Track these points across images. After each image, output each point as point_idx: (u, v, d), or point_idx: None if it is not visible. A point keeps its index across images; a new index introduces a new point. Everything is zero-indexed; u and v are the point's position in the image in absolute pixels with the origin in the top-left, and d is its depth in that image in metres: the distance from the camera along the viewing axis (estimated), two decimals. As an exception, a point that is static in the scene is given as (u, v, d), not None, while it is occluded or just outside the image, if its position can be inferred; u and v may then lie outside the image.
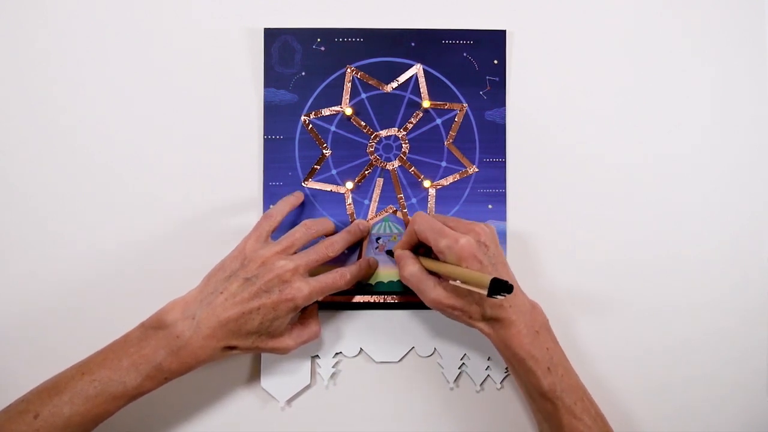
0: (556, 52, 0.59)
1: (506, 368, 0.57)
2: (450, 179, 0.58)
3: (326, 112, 0.57)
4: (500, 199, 0.58)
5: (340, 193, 0.57)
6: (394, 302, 0.57)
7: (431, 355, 0.57)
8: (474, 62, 0.58)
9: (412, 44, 0.58)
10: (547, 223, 0.58)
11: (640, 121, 0.59)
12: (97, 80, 0.57)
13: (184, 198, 0.57)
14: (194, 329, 0.47)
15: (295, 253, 0.51)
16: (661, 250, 0.58)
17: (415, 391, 0.57)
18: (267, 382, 0.56)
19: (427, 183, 0.57)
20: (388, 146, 0.58)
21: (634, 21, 0.59)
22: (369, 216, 0.57)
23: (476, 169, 0.58)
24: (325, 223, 0.54)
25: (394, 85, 0.58)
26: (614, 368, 0.57)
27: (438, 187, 0.58)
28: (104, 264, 0.56)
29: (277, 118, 0.57)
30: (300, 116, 0.57)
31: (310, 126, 0.57)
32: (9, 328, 0.55)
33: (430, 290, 0.49)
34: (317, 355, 0.56)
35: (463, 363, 0.57)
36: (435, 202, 0.57)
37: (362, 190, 0.58)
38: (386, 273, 0.57)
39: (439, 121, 0.58)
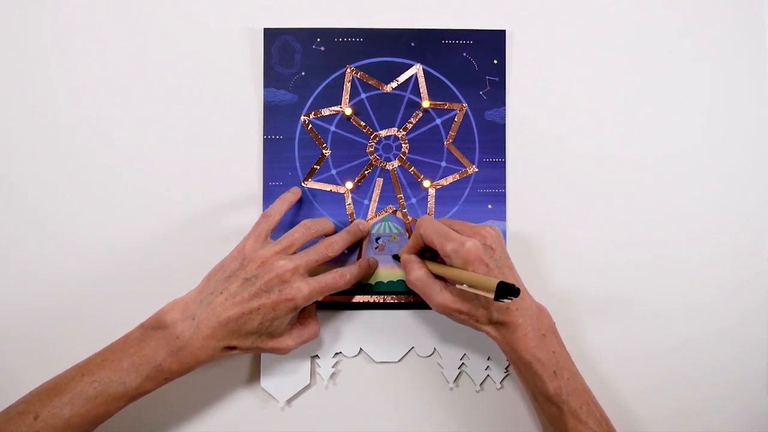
0: (556, 52, 0.59)
1: (506, 368, 0.57)
2: (450, 179, 0.58)
3: (326, 112, 0.57)
4: (500, 199, 0.58)
5: (339, 193, 0.57)
6: (394, 302, 0.57)
7: (431, 355, 0.57)
8: (474, 62, 0.58)
9: (412, 44, 0.58)
10: (546, 223, 0.58)
11: (639, 120, 0.59)
12: (97, 80, 0.57)
13: (184, 198, 0.57)
14: (194, 329, 0.47)
15: (295, 253, 0.51)
16: (660, 250, 0.58)
17: (415, 391, 0.57)
18: (267, 382, 0.56)
19: (426, 183, 0.57)
20: (388, 146, 0.58)
21: (633, 21, 0.59)
22: (369, 216, 0.57)
23: (476, 169, 0.58)
24: (325, 223, 0.54)
25: (394, 85, 0.58)
26: (614, 368, 0.57)
27: (438, 187, 0.58)
28: (104, 264, 0.56)
29: (277, 118, 0.57)
30: (300, 116, 0.57)
31: (310, 126, 0.57)
32: (9, 328, 0.56)
33: (437, 294, 0.49)
34: (317, 355, 0.56)
35: (463, 363, 0.57)
36: (435, 202, 0.57)
37: (362, 190, 0.58)
38: (386, 273, 0.57)
39: (438, 121, 0.58)
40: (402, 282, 0.57)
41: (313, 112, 0.57)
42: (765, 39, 0.59)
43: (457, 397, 0.57)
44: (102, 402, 0.46)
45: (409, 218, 0.57)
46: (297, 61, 0.57)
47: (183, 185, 0.57)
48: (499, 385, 0.57)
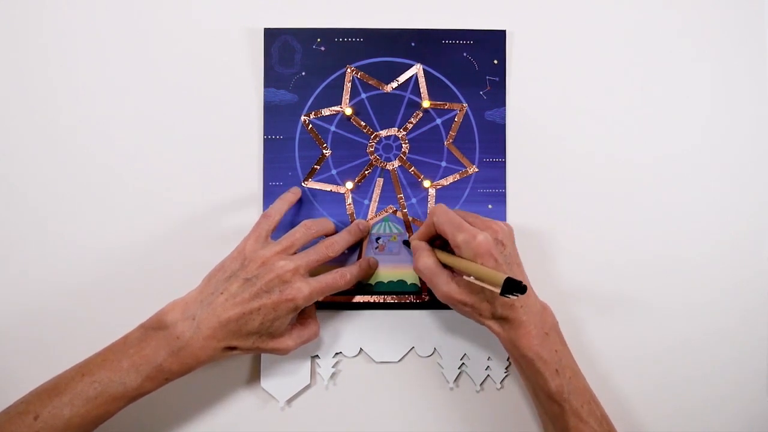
0: (556, 52, 0.59)
1: (506, 368, 0.57)
2: (450, 179, 0.58)
3: (326, 112, 0.57)
4: (500, 199, 0.58)
5: (340, 193, 0.57)
6: (394, 302, 0.57)
7: (431, 355, 0.57)
8: (474, 62, 0.58)
9: (412, 44, 0.58)
10: (546, 223, 0.58)
11: (639, 120, 0.59)
12: (97, 80, 0.57)
13: (184, 198, 0.57)
14: (194, 330, 0.47)
15: (295, 253, 0.51)
16: (661, 250, 0.58)
17: (415, 391, 0.57)
18: (267, 382, 0.56)
19: (427, 183, 0.57)
20: (388, 146, 0.58)
21: (633, 21, 0.59)
22: (369, 216, 0.57)
23: (476, 169, 0.58)
24: (325, 223, 0.54)
25: (394, 85, 0.58)
26: (614, 368, 0.57)
27: (438, 187, 0.58)
28: (104, 264, 0.56)
29: (277, 118, 0.57)
30: (300, 116, 0.57)
31: (310, 126, 0.57)
32: (9, 328, 0.55)
33: (443, 284, 0.49)
34: (317, 355, 0.56)
35: (463, 363, 0.57)
36: (435, 202, 0.57)
37: (362, 190, 0.58)
38: (386, 273, 0.57)
39: (439, 121, 0.58)
40: (402, 282, 0.57)
41: (313, 112, 0.57)
42: (765, 39, 0.59)
43: (457, 397, 0.57)
44: (102, 402, 0.46)
45: (410, 218, 0.57)
46: (297, 61, 0.57)
47: (183, 185, 0.57)
48: (499, 385, 0.57)
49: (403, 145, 0.58)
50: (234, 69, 0.58)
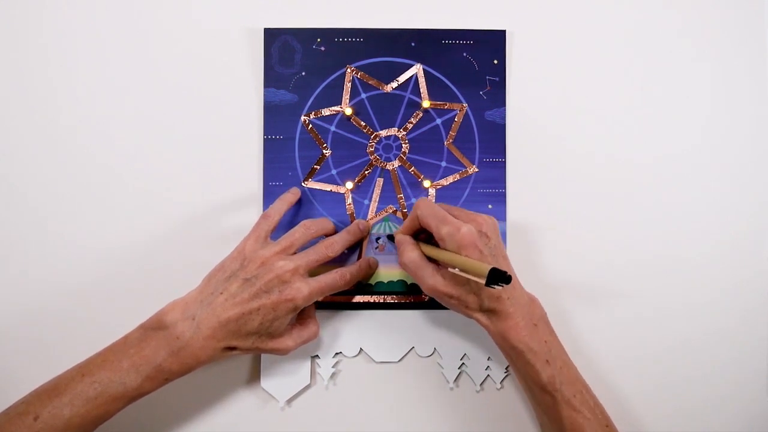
0: (556, 52, 0.59)
1: (506, 368, 0.57)
2: (450, 179, 0.58)
3: (326, 112, 0.57)
4: (500, 199, 0.58)
5: (340, 193, 0.57)
6: (394, 302, 0.57)
7: (431, 355, 0.57)
8: (474, 62, 0.58)
9: (412, 44, 0.58)
10: (547, 223, 0.58)
11: (639, 120, 0.59)
12: (97, 80, 0.57)
13: (184, 198, 0.57)
14: (194, 330, 0.47)
15: (295, 253, 0.51)
16: (661, 250, 0.58)
17: (415, 391, 0.57)
18: (267, 382, 0.56)
19: (427, 183, 0.57)
20: (388, 146, 0.58)
21: (633, 21, 0.59)
22: (369, 216, 0.57)
23: (476, 169, 0.58)
24: (325, 223, 0.54)
25: (394, 85, 0.58)
26: (614, 369, 0.57)
27: (438, 187, 0.58)
28: (104, 264, 0.56)
29: (277, 118, 0.57)
30: (300, 116, 0.57)
31: (310, 126, 0.57)
32: (9, 328, 0.55)
33: (428, 277, 0.49)
34: (317, 355, 0.56)
35: (463, 363, 0.57)
36: (435, 202, 0.57)
37: (362, 190, 0.58)
38: (386, 273, 0.57)
39: (439, 121, 0.58)
40: (402, 282, 0.57)
41: (313, 112, 0.57)
42: (765, 39, 0.59)
43: (457, 397, 0.57)
44: (102, 402, 0.46)
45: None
46: (297, 61, 0.57)
47: (183, 185, 0.57)
48: (499, 385, 0.57)
49: (403, 145, 0.58)
50: (234, 69, 0.58)
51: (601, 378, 0.57)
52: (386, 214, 0.57)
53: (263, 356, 0.56)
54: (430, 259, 0.50)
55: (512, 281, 0.46)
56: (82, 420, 0.45)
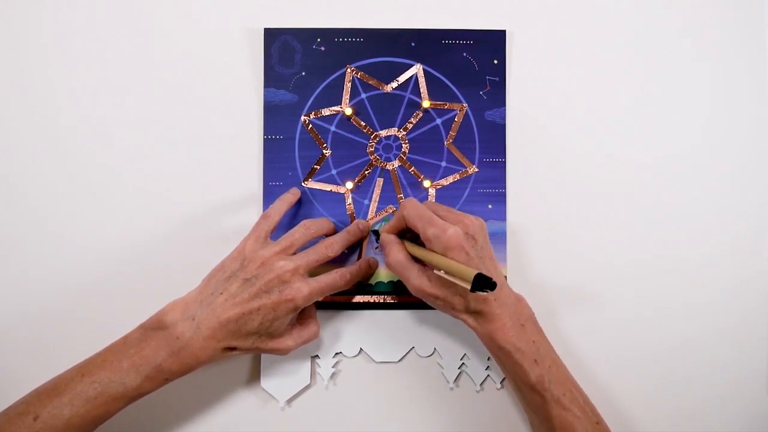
0: (556, 52, 0.59)
1: (506, 368, 0.57)
2: (450, 179, 0.58)
3: (326, 112, 0.57)
4: (500, 199, 0.57)
5: (340, 193, 0.57)
6: (394, 302, 0.57)
7: (431, 355, 0.57)
8: (474, 62, 0.58)
9: (412, 44, 0.58)
10: (546, 223, 0.58)
11: (639, 120, 0.59)
12: (97, 80, 0.57)
13: (184, 198, 0.57)
14: (194, 330, 0.47)
15: (295, 253, 0.51)
16: (661, 250, 0.58)
17: (415, 391, 0.57)
18: (267, 382, 0.56)
19: (427, 183, 0.57)
20: (388, 146, 0.58)
21: (633, 21, 0.59)
22: (369, 216, 0.57)
23: (476, 169, 0.58)
24: (325, 223, 0.54)
25: (394, 85, 0.58)
26: (614, 368, 0.57)
27: (438, 187, 0.58)
28: (104, 264, 0.56)
29: (277, 118, 0.57)
30: (300, 116, 0.57)
31: (310, 126, 0.57)
32: (9, 328, 0.55)
33: (414, 278, 0.49)
34: (317, 355, 0.56)
35: (463, 363, 0.57)
36: (435, 201, 0.57)
37: (362, 190, 0.58)
38: (386, 273, 0.57)
39: (439, 121, 0.58)
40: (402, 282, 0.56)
41: (313, 112, 0.57)
42: (765, 39, 0.59)
43: (457, 397, 0.57)
44: (102, 402, 0.46)
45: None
46: (297, 61, 0.57)
47: (183, 185, 0.57)
48: (499, 385, 0.57)
49: (403, 145, 0.58)
50: (234, 69, 0.58)
51: (601, 378, 0.57)
52: (386, 214, 0.57)
53: (263, 356, 0.56)
54: (417, 259, 0.50)
55: (499, 283, 0.46)
56: (82, 420, 0.45)
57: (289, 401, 0.56)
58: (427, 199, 0.57)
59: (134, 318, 0.49)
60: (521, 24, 0.58)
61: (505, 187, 0.58)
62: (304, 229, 0.52)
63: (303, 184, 0.57)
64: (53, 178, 0.57)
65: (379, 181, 0.58)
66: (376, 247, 0.57)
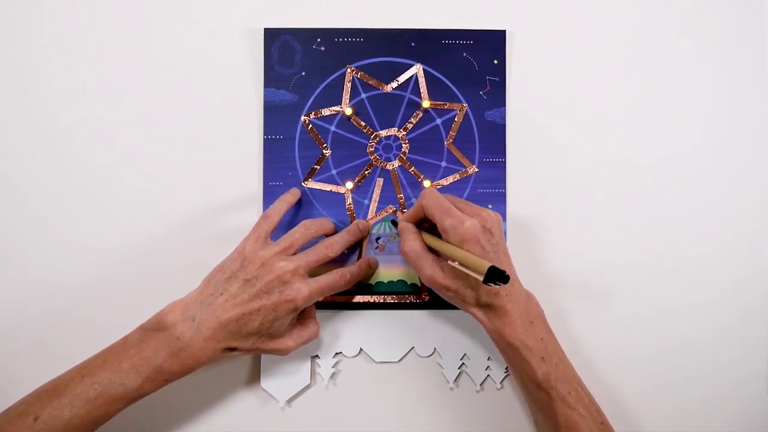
0: (556, 52, 0.59)
1: (506, 368, 0.57)
2: (450, 179, 0.58)
3: (326, 112, 0.57)
4: (500, 199, 0.57)
5: (340, 193, 0.57)
6: (394, 302, 0.57)
7: (431, 355, 0.57)
8: (474, 62, 0.58)
9: (412, 44, 0.58)
10: (547, 223, 0.58)
11: (639, 120, 0.59)
12: (97, 80, 0.57)
13: (184, 198, 0.57)
14: (194, 331, 0.47)
15: (295, 253, 0.51)
16: (661, 250, 0.58)
17: (415, 391, 0.57)
18: (267, 382, 0.56)
19: (427, 183, 0.57)
20: (388, 146, 0.58)
21: (633, 21, 0.59)
22: (369, 216, 0.57)
23: (476, 169, 0.58)
24: (325, 223, 0.54)
25: (394, 85, 0.58)
26: (614, 368, 0.57)
27: (438, 187, 0.58)
28: (104, 264, 0.56)
29: (277, 118, 0.57)
30: (300, 116, 0.57)
31: (310, 126, 0.57)
32: (9, 328, 0.55)
33: (428, 268, 0.49)
34: (317, 355, 0.56)
35: (463, 363, 0.57)
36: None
37: (362, 190, 0.58)
38: (386, 273, 0.57)
39: (439, 121, 0.58)
40: (402, 282, 0.57)
41: (313, 112, 0.57)
42: (765, 39, 0.59)
43: (457, 397, 0.57)
44: (102, 403, 0.46)
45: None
46: (297, 61, 0.57)
47: (183, 185, 0.57)
48: (499, 385, 0.57)
49: (403, 145, 0.58)
50: (234, 69, 0.58)
51: (601, 378, 0.57)
52: (386, 214, 0.57)
53: (263, 356, 0.56)
54: (432, 250, 0.50)
55: (510, 280, 0.46)
56: (82, 421, 0.45)
57: (289, 401, 0.56)
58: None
59: (134, 318, 0.49)
60: (521, 24, 0.58)
61: (505, 187, 0.58)
62: (304, 229, 0.52)
63: (303, 184, 0.57)
64: (53, 178, 0.57)
65: (379, 181, 0.58)
66: (376, 248, 0.57)
